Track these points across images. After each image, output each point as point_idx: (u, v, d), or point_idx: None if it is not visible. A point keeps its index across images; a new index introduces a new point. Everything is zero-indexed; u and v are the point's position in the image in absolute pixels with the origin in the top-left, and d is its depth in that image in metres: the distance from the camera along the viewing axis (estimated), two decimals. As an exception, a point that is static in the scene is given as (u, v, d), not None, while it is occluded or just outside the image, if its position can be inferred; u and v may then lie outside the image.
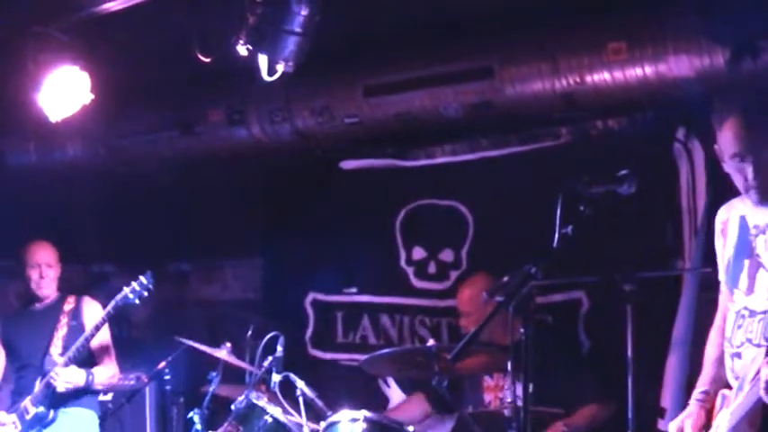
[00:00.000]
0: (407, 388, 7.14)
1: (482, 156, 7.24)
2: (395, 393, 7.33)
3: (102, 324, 6.46)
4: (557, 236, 4.15)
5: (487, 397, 6.27)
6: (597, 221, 4.25)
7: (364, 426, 5.64)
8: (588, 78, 6.22)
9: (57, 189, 8.11)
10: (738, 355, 4.03)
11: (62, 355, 6.46)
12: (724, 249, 4.23)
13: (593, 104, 6.44)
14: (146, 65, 7.07)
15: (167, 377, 6.71)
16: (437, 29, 6.65)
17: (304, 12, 5.31)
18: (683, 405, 4.36)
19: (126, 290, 6.43)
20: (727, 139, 4.01)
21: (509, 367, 5.53)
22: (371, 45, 6.84)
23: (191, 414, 6.15)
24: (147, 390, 7.29)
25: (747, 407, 3.80)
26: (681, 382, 6.18)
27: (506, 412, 5.60)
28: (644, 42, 6.02)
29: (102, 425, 6.70)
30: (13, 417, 6.40)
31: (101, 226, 6.47)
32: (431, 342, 5.80)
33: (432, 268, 7.48)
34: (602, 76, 6.18)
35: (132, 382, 6.77)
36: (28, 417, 6.38)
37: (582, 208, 4.21)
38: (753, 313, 4.01)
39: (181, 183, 7.93)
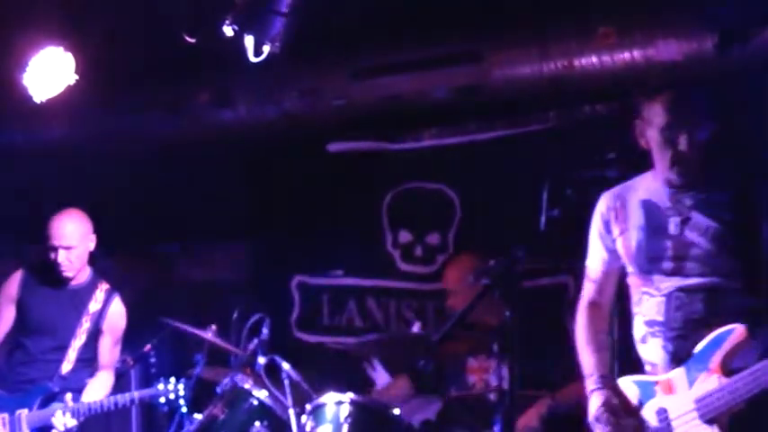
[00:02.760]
0: (393, 370, 7.13)
1: (469, 139, 7.24)
2: (380, 376, 7.32)
3: (116, 406, 6.08)
4: (543, 219, 4.15)
5: (471, 378, 6.27)
6: (584, 205, 4.25)
7: (350, 408, 5.64)
8: (576, 63, 6.21)
9: (42, 170, 8.06)
10: (684, 337, 3.99)
11: (73, 370, 6.22)
12: (624, 235, 4.23)
13: (582, 89, 6.43)
14: (132, 45, 7.02)
15: (152, 360, 6.69)
16: (426, 12, 6.63)
17: (291, -8, 5.29)
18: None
19: (159, 388, 6.08)
20: (658, 111, 4.05)
21: (494, 349, 5.53)
22: (360, 27, 6.82)
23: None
24: (132, 373, 7.27)
25: (747, 394, 3.77)
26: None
27: (492, 396, 5.60)
28: (633, 27, 6.01)
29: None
30: (6, 417, 6.08)
31: (86, 207, 6.38)
32: (416, 325, 5.80)
33: (418, 251, 7.49)
34: (590, 61, 6.17)
35: (117, 366, 6.72)
36: None
37: (569, 192, 4.21)
38: (691, 293, 4.00)
39: (167, 164, 7.89)
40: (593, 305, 4.36)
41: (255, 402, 6.01)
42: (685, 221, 4.03)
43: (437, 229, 7.41)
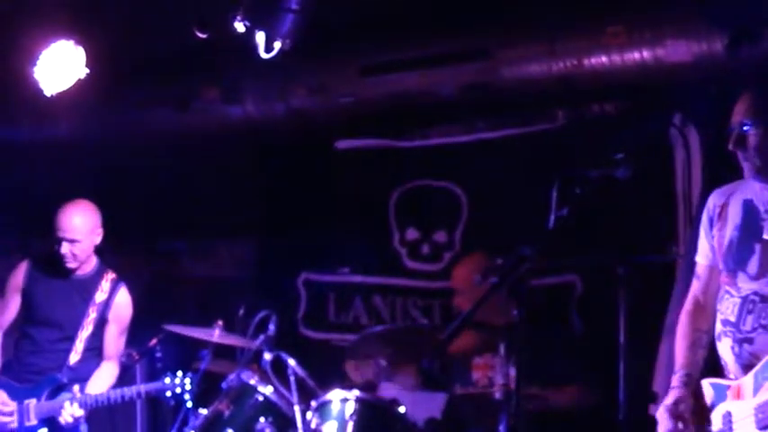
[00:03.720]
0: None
1: (477, 137, 7.24)
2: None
3: (123, 399, 6.09)
4: (552, 218, 4.14)
5: (476, 375, 6.27)
6: (592, 205, 4.25)
7: (355, 405, 5.65)
8: (586, 62, 6.20)
9: (49, 164, 8.07)
10: (750, 341, 3.97)
11: (81, 360, 6.21)
12: (721, 232, 4.19)
13: (591, 88, 6.42)
14: (141, 40, 7.03)
15: (158, 354, 6.69)
16: (435, 9, 6.63)
17: (302, -11, 5.30)
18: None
19: (166, 381, 6.06)
20: (739, 110, 4.02)
21: (501, 349, 5.53)
22: (369, 24, 6.81)
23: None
24: (138, 367, 7.27)
25: None
26: (673, 368, 6.18)
27: (497, 395, 5.59)
28: (642, 27, 6.00)
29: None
30: (14, 407, 6.09)
31: (93, 202, 6.37)
32: (423, 322, 5.80)
33: (425, 249, 7.48)
34: (599, 60, 6.16)
35: (123, 360, 6.71)
36: (27, 423, 6.09)
37: (578, 191, 4.20)
38: (766, 299, 3.96)
39: (174, 160, 7.90)
40: (697, 302, 4.30)
41: (261, 398, 6.03)
42: None
43: (444, 226, 7.40)
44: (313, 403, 5.81)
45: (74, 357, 6.20)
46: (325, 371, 6.47)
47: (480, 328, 5.86)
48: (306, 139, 7.65)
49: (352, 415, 5.64)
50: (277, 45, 5.37)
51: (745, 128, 4.01)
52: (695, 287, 4.34)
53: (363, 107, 7.06)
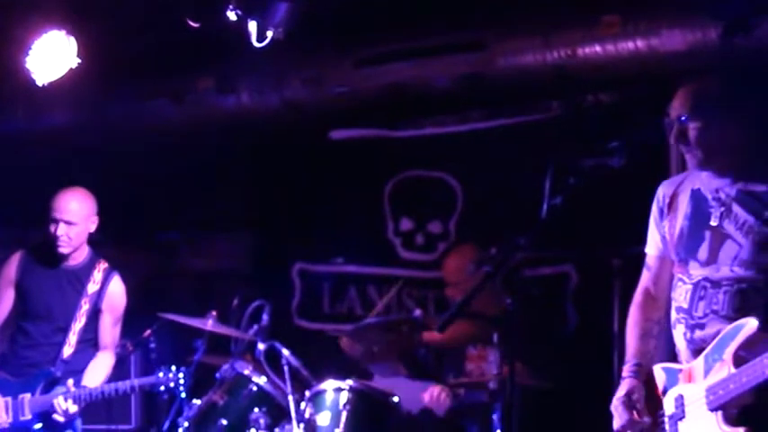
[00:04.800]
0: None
1: (472, 128, 7.24)
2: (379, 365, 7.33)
3: (117, 393, 6.07)
4: (545, 207, 4.14)
5: (469, 366, 6.28)
6: (586, 194, 4.24)
7: (349, 395, 5.65)
8: (580, 52, 6.19)
9: (44, 156, 8.06)
10: (701, 326, 3.99)
11: (74, 352, 6.16)
12: (672, 222, 4.21)
13: (585, 78, 6.41)
14: (135, 31, 7.02)
15: (152, 345, 6.68)
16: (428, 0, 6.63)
17: (295, -22, 5.29)
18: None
19: (160, 376, 6.05)
20: (676, 105, 4.12)
21: (495, 339, 5.53)
22: (363, 15, 6.80)
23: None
24: (132, 358, 7.27)
25: (748, 384, 3.76)
26: (665, 359, 6.19)
27: (491, 385, 5.60)
28: (637, 16, 5.99)
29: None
30: (9, 404, 6.06)
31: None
32: (417, 312, 5.80)
33: (419, 239, 7.49)
34: (594, 50, 6.15)
35: (117, 350, 6.70)
36: (22, 418, 6.06)
37: (572, 180, 4.20)
38: (716, 284, 4.00)
39: (169, 151, 7.89)
40: (647, 293, 4.33)
41: (255, 389, 6.04)
42: (727, 214, 4.04)
43: (439, 217, 7.41)
44: (307, 393, 5.81)
45: (67, 350, 6.17)
46: (320, 361, 6.47)
47: (474, 319, 5.86)
48: (300, 130, 7.65)
49: (345, 405, 5.65)
50: (270, 34, 5.35)
51: (683, 121, 4.06)
52: (645, 278, 4.37)
53: (358, 98, 7.05)
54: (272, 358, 6.06)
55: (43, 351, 6.18)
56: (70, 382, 6.04)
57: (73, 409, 5.99)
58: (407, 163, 7.54)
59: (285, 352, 6.00)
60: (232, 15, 5.29)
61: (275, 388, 6.01)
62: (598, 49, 6.14)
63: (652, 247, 4.34)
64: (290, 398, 5.82)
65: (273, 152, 7.96)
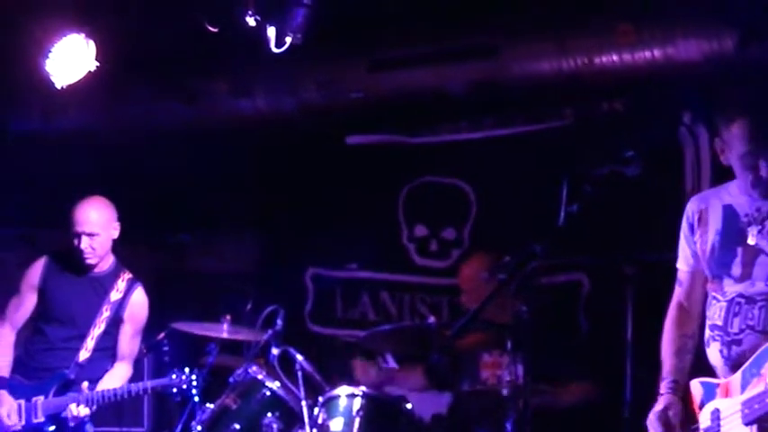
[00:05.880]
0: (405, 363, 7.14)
1: (486, 135, 7.24)
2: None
3: (129, 394, 6.06)
4: (562, 215, 4.14)
5: (485, 373, 6.27)
6: (599, 202, 4.25)
7: (362, 401, 5.66)
8: (596, 60, 6.20)
9: (58, 156, 8.08)
10: (737, 342, 4.01)
11: (90, 358, 6.14)
12: (703, 237, 4.21)
13: (600, 86, 6.41)
14: (151, 34, 7.03)
15: (166, 348, 6.68)
16: (445, 5, 6.63)
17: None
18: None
19: (172, 378, 6.01)
20: (737, 137, 4.03)
21: (508, 345, 5.53)
22: (378, 20, 6.81)
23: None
24: (145, 361, 7.28)
25: None
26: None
27: (505, 391, 5.60)
28: (652, 25, 6.00)
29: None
30: (22, 406, 6.04)
31: (100, 195, 6.37)
32: (431, 319, 5.80)
33: (433, 246, 7.49)
34: (609, 58, 6.15)
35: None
36: (35, 420, 6.04)
37: (587, 188, 4.21)
38: (750, 300, 4.01)
39: (183, 153, 7.90)
40: (681, 308, 4.33)
41: (268, 393, 6.03)
42: (761, 230, 4.04)
43: (453, 223, 7.41)
44: (320, 398, 5.82)
45: (83, 354, 6.17)
46: (333, 366, 6.48)
47: (488, 326, 5.87)
48: (315, 135, 7.65)
49: (359, 411, 5.66)
50: (288, 39, 5.37)
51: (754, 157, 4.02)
52: (678, 293, 4.37)
53: (373, 103, 7.06)
54: (286, 363, 6.07)
55: (60, 356, 6.18)
56: (84, 384, 6.04)
57: (84, 412, 5.99)
58: (422, 169, 7.54)
59: (299, 357, 6.00)
60: (251, 21, 5.31)
61: (288, 393, 6.00)
62: (614, 57, 6.14)
63: (683, 262, 4.34)
64: (304, 403, 5.82)
65: (287, 156, 7.97)
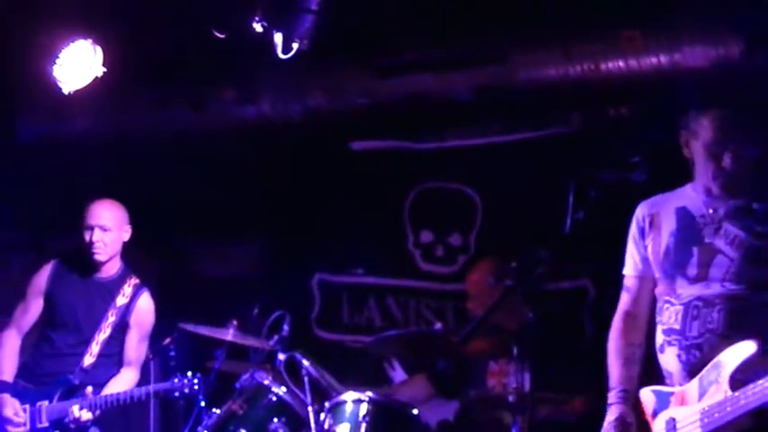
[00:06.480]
0: (412, 370, 7.14)
1: (492, 140, 7.26)
2: (399, 375, 7.35)
3: (132, 399, 6.08)
4: (568, 221, 4.14)
5: (491, 381, 6.27)
6: (606, 208, 4.25)
7: (369, 407, 5.65)
8: (602, 66, 6.20)
9: (65, 162, 8.09)
10: (698, 347, 3.99)
11: (95, 364, 6.18)
12: (655, 240, 4.23)
13: (607, 92, 6.42)
14: (159, 40, 7.04)
15: (172, 353, 6.68)
16: (451, 12, 6.63)
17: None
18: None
19: (175, 381, 6.04)
20: (706, 126, 4.08)
21: (515, 352, 5.53)
22: (385, 26, 6.82)
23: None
24: (152, 366, 7.27)
25: (746, 407, 3.75)
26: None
27: (511, 398, 5.60)
28: (659, 31, 6.00)
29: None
30: (26, 418, 6.04)
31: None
32: (437, 325, 5.79)
33: (439, 251, 7.50)
34: (615, 64, 6.16)
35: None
36: (39, 425, 6.07)
37: (593, 194, 4.21)
38: (708, 303, 4.00)
39: (190, 159, 7.91)
40: (628, 315, 4.33)
41: (274, 399, 6.03)
42: (717, 230, 4.04)
43: (459, 229, 7.42)
44: (327, 404, 5.81)
45: (88, 360, 6.17)
46: (339, 372, 6.48)
47: (494, 332, 5.86)
48: (321, 140, 7.66)
49: (365, 416, 5.64)
50: (295, 46, 5.38)
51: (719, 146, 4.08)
52: (625, 301, 4.38)
53: (379, 109, 7.06)
54: (292, 368, 6.07)
55: (66, 362, 6.19)
56: (89, 389, 6.05)
57: (86, 416, 6.00)
58: (428, 175, 7.56)
59: (305, 362, 6.00)
60: (258, 27, 5.32)
61: (294, 398, 6.00)
62: (620, 63, 6.15)
63: (631, 268, 4.36)
64: (310, 409, 5.82)
65: (293, 162, 7.97)
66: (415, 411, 5.71)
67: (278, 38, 5.38)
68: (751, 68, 5.76)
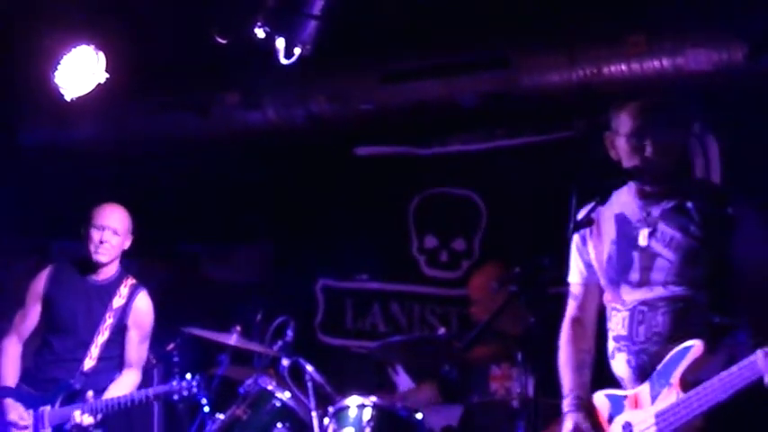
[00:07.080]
0: (416, 375, 7.14)
1: (496, 146, 7.26)
2: (403, 381, 7.34)
3: (133, 402, 6.00)
4: (571, 226, 4.14)
5: (494, 386, 6.26)
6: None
7: (373, 412, 5.64)
8: (605, 70, 6.20)
9: (69, 168, 8.10)
10: (645, 351, 4.00)
11: (95, 367, 6.15)
12: (598, 248, 4.24)
13: (610, 97, 6.39)
14: (162, 46, 7.05)
15: (175, 359, 6.68)
16: (455, 18, 6.64)
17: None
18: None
19: (173, 384, 5.96)
20: (624, 120, 4.16)
21: (518, 357, 5.53)
22: (389, 32, 6.83)
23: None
24: (155, 372, 7.27)
25: (699, 409, 3.77)
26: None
27: (515, 403, 5.59)
28: (662, 36, 6.00)
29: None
30: (31, 421, 6.04)
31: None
32: (441, 330, 5.79)
33: (443, 257, 7.50)
34: (619, 68, 6.16)
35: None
36: (42, 430, 6.04)
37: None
38: (653, 307, 4.02)
39: (195, 164, 7.92)
40: (576, 322, 4.34)
41: (278, 404, 6.02)
42: (653, 233, 4.06)
43: (463, 234, 7.42)
44: (330, 409, 5.81)
45: (88, 363, 6.16)
46: (343, 377, 6.48)
47: (497, 338, 5.86)
48: (325, 146, 7.66)
49: (369, 421, 5.64)
50: (297, 51, 5.38)
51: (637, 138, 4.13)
52: (572, 308, 4.38)
53: (383, 114, 7.07)
54: (296, 374, 6.07)
55: (67, 367, 6.17)
56: (90, 394, 6.04)
57: (88, 421, 5.99)
58: (432, 180, 7.56)
59: (309, 368, 6.00)
60: (260, 32, 5.32)
61: (298, 403, 5.99)
62: (623, 67, 6.15)
63: (575, 275, 4.37)
64: (314, 414, 5.82)
65: (298, 167, 7.98)
66: (419, 416, 5.71)
67: (280, 43, 5.38)
68: (754, 73, 5.76)
